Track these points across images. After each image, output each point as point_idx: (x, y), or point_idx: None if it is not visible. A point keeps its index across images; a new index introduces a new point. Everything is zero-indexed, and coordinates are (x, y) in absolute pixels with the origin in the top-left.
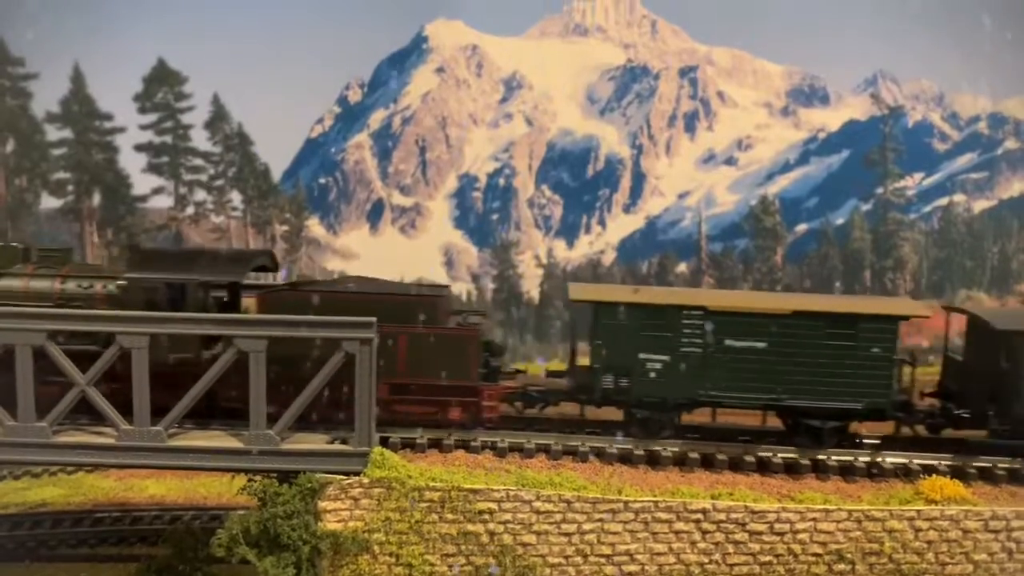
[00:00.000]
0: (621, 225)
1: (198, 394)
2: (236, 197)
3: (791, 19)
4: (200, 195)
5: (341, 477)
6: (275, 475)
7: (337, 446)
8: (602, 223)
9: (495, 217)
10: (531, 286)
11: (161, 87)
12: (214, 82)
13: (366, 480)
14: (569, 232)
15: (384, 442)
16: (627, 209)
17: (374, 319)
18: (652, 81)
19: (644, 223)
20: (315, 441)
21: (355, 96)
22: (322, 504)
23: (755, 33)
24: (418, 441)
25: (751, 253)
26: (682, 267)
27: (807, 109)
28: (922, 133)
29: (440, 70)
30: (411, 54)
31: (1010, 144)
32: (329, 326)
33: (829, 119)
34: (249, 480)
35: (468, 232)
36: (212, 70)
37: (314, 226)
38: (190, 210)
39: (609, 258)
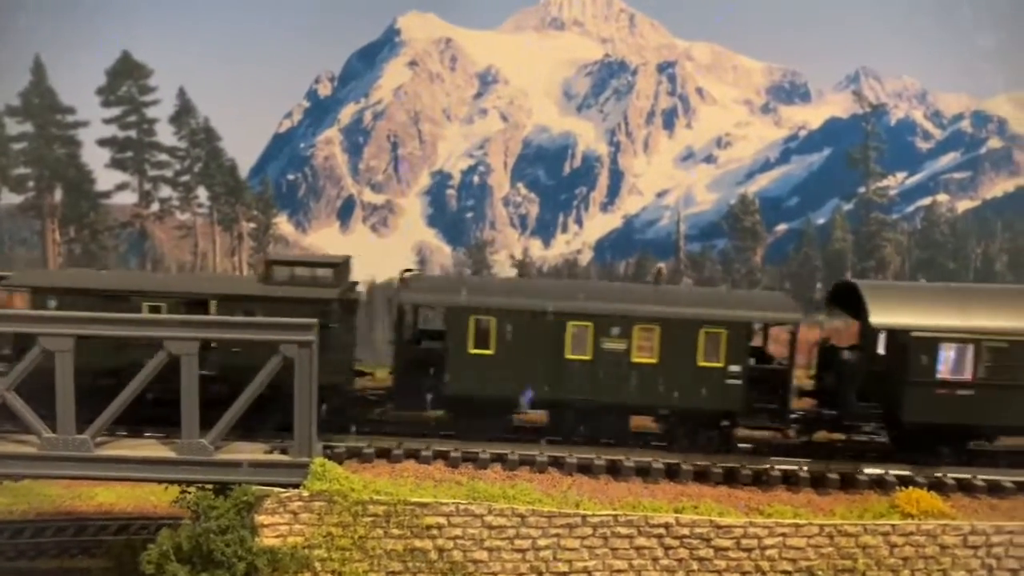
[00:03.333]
0: (598, 224)
1: (126, 400)
2: (202, 193)
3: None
4: (165, 191)
5: (279, 489)
6: (211, 487)
7: (275, 456)
8: (579, 222)
9: (469, 215)
10: None
11: (125, 80)
12: (180, 75)
13: (306, 493)
14: (545, 231)
15: (329, 451)
16: (604, 208)
17: (315, 320)
18: (630, 77)
19: (622, 222)
20: (253, 451)
21: (325, 90)
22: (259, 518)
23: (735, 28)
24: (365, 451)
25: (730, 253)
26: (661, 267)
27: (788, 106)
28: (905, 131)
29: (413, 64)
30: (383, 47)
31: (993, 143)
32: (265, 328)
33: (810, 117)
34: (182, 492)
35: (442, 230)
36: (178, 62)
37: (282, 224)
38: (155, 207)
39: (586, 258)
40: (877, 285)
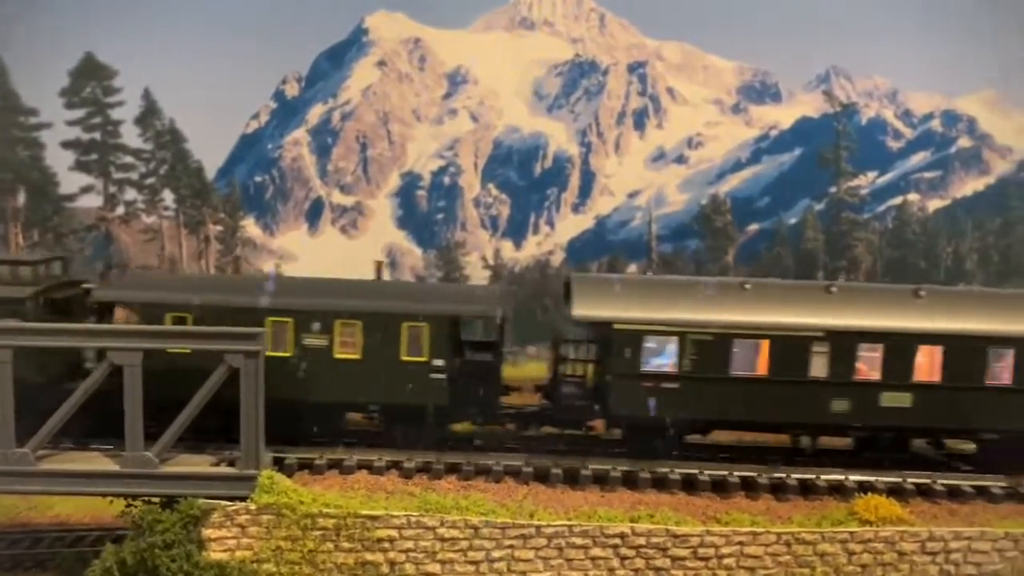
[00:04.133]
0: (570, 225)
1: (67, 413)
2: (168, 196)
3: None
4: (131, 194)
5: (227, 503)
6: (157, 500)
7: (222, 469)
8: (551, 223)
9: (440, 217)
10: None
11: (89, 81)
12: (145, 76)
13: (254, 506)
14: (517, 232)
15: (279, 463)
16: (576, 208)
17: (262, 330)
18: (600, 77)
19: (593, 223)
20: (200, 463)
21: (292, 90)
22: (206, 532)
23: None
24: (316, 462)
25: (702, 254)
26: (632, 268)
27: (759, 106)
28: (876, 131)
29: (381, 64)
30: (351, 47)
31: (963, 142)
32: (210, 337)
33: (781, 116)
34: (127, 505)
35: (412, 232)
36: (143, 63)
37: (250, 226)
38: (120, 210)
39: (558, 259)
40: (589, 278)
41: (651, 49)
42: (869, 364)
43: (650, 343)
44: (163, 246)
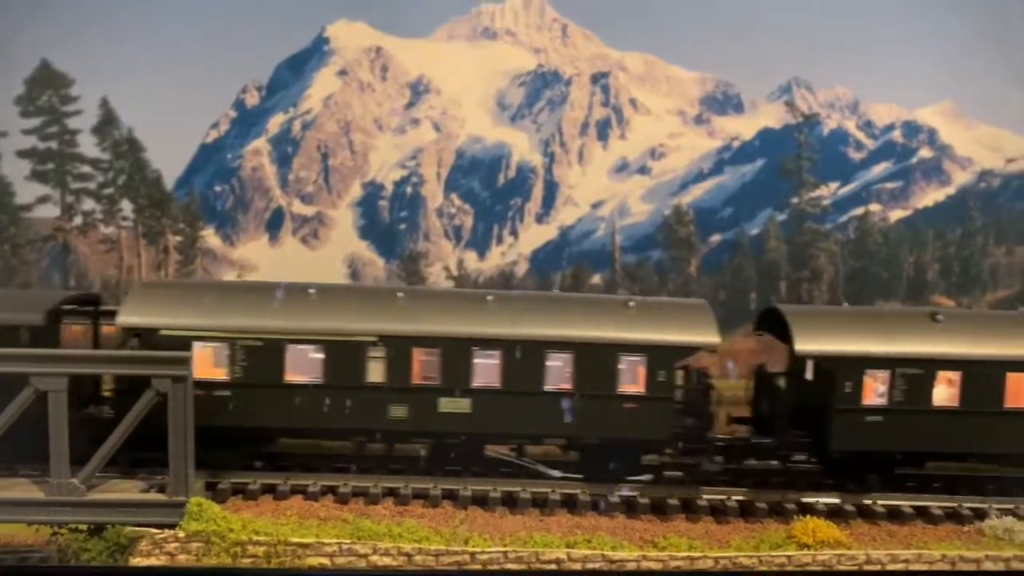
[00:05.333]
0: (534, 235)
1: None
2: (127, 206)
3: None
4: (88, 204)
5: (155, 530)
6: (85, 527)
7: (151, 495)
8: (514, 233)
9: (403, 227)
10: None
11: (45, 90)
12: (102, 85)
13: (182, 534)
14: (480, 242)
15: (212, 488)
16: (540, 219)
17: (189, 354)
18: (563, 87)
19: (557, 233)
20: (129, 490)
21: (252, 99)
22: (134, 560)
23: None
24: (250, 487)
25: (666, 264)
26: (596, 279)
27: (721, 117)
28: (837, 141)
29: (343, 73)
30: (311, 56)
31: (924, 153)
32: (137, 362)
33: (743, 127)
34: (54, 533)
35: (374, 242)
36: (100, 72)
37: (210, 236)
38: (78, 220)
39: (522, 269)
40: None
41: (614, 60)
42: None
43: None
44: (122, 256)
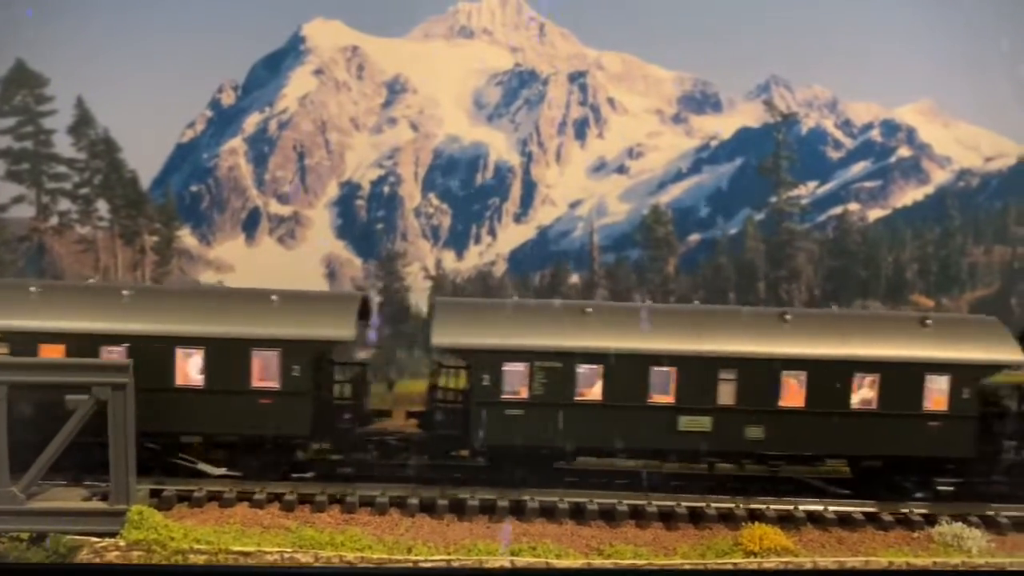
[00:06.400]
0: (512, 235)
1: None
2: (103, 206)
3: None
4: (64, 204)
5: (96, 539)
6: (24, 536)
7: (92, 504)
8: (492, 233)
9: (380, 227)
10: (420, 299)
11: (20, 89)
12: (78, 84)
13: (123, 542)
14: (458, 242)
15: (157, 495)
16: (518, 219)
17: (129, 361)
18: (541, 86)
19: (535, 233)
20: (70, 498)
21: (228, 99)
22: None
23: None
24: (195, 495)
25: (644, 264)
26: (575, 279)
27: (699, 116)
28: (816, 140)
29: (319, 72)
30: (288, 55)
31: (903, 152)
32: (76, 369)
33: (722, 126)
34: None
35: (351, 242)
36: (75, 71)
37: (186, 236)
38: (54, 220)
39: (500, 269)
40: None
41: (591, 59)
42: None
43: None
44: (98, 257)
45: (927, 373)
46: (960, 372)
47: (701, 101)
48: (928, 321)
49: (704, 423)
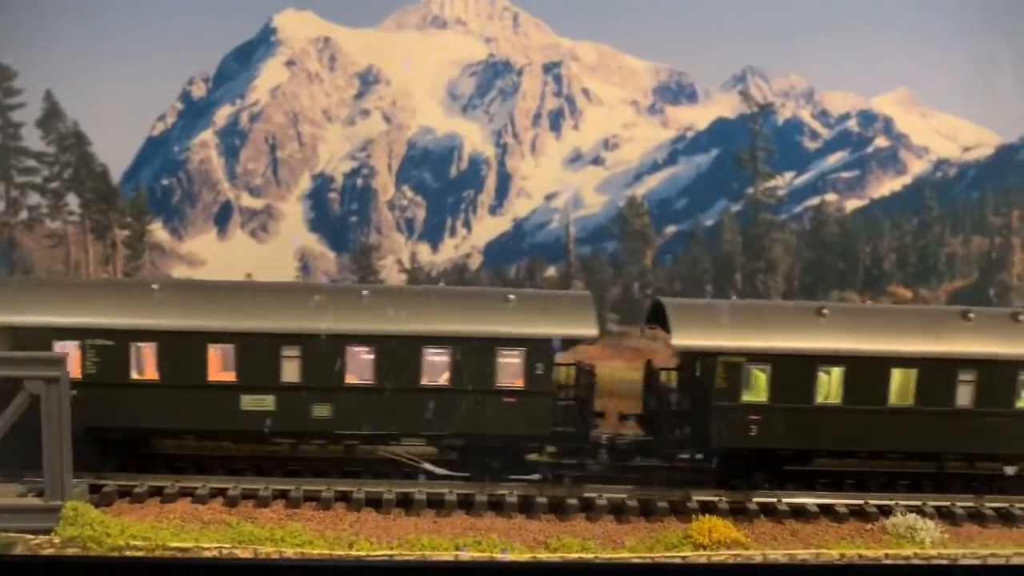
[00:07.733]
0: (487, 227)
1: None
2: (73, 200)
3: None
4: (34, 198)
5: (30, 536)
6: None
7: (26, 500)
8: (467, 225)
9: (354, 219)
10: None
11: None
12: (46, 77)
13: (57, 539)
14: (433, 235)
15: (97, 490)
16: (493, 211)
17: (65, 354)
18: (515, 77)
19: (511, 225)
20: (5, 494)
21: (199, 91)
22: None
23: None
24: (136, 490)
25: (621, 256)
26: (551, 271)
27: (675, 107)
28: (792, 131)
29: (290, 63)
30: (258, 46)
31: (880, 142)
32: (7, 363)
33: (697, 117)
34: None
35: (325, 236)
36: (43, 63)
37: (157, 230)
38: (23, 215)
39: (476, 262)
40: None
41: (566, 49)
42: None
43: None
44: (69, 252)
45: (499, 347)
46: (532, 347)
47: (677, 92)
48: (511, 296)
49: (268, 402)
